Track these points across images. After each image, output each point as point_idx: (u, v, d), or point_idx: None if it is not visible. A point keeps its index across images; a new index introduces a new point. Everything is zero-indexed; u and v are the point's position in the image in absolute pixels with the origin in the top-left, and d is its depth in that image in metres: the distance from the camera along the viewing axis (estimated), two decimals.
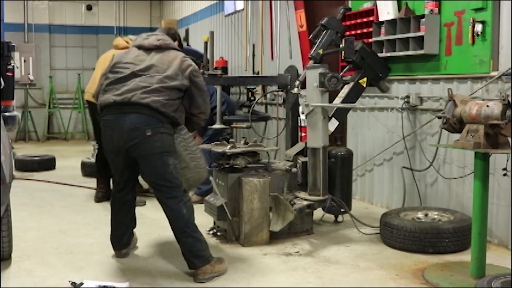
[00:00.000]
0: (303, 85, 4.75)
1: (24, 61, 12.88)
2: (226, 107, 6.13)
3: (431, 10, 4.91)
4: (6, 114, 6.78)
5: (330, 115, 4.88)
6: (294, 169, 4.76)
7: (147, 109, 3.69)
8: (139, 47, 4.01)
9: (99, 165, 6.24)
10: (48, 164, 8.51)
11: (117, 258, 4.15)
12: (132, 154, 3.78)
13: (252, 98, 8.09)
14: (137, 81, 3.78)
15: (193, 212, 3.84)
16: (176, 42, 4.26)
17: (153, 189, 3.89)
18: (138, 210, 5.66)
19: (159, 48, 3.96)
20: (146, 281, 3.66)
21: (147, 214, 5.51)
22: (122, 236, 4.19)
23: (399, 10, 5.32)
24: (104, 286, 3.44)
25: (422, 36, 4.92)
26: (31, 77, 12.90)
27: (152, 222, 5.14)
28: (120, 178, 4.05)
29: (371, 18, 5.63)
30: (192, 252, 3.73)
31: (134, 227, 4.32)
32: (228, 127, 5.13)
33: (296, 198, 4.64)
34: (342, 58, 5.29)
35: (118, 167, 3.98)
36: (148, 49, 3.97)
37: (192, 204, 3.88)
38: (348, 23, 5.93)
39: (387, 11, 5.39)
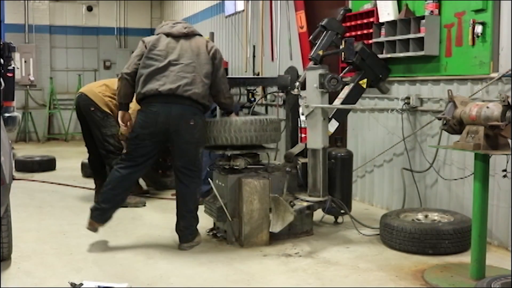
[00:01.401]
0: (303, 86, 4.75)
1: (25, 62, 12.89)
2: None
3: (431, 11, 4.91)
4: (7, 114, 6.79)
5: (330, 116, 4.88)
6: (293, 170, 4.76)
7: (189, 101, 4.20)
8: (168, 35, 4.39)
9: (94, 166, 6.23)
10: (48, 165, 8.51)
11: (87, 229, 4.36)
12: (172, 138, 4.24)
13: (252, 99, 8.09)
14: (176, 71, 4.23)
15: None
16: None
17: (179, 172, 4.34)
18: (138, 211, 5.69)
19: (187, 36, 4.40)
20: (146, 282, 3.65)
21: (147, 215, 5.51)
22: (107, 210, 4.37)
23: (399, 11, 5.32)
24: (103, 287, 3.44)
25: (422, 37, 4.92)
26: (32, 78, 12.90)
27: (151, 223, 5.14)
28: (141, 158, 4.32)
29: (371, 19, 5.63)
30: (190, 228, 4.38)
31: (120, 205, 4.48)
32: None
33: (296, 199, 4.64)
34: (342, 59, 5.29)
35: (146, 148, 4.29)
36: (176, 37, 4.38)
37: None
38: (348, 24, 5.93)
39: (387, 12, 5.38)
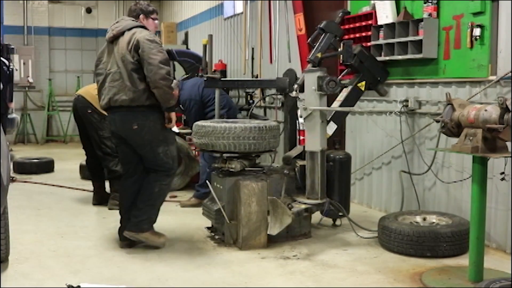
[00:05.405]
0: (301, 89, 4.75)
1: (24, 63, 12.88)
2: (227, 111, 6.11)
3: (430, 14, 4.92)
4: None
5: (328, 119, 4.87)
6: (292, 173, 4.75)
7: (123, 108, 4.21)
8: (107, 42, 4.37)
9: (92, 168, 6.23)
10: (46, 166, 8.51)
11: (120, 248, 4.38)
12: (129, 142, 4.33)
13: (251, 101, 8.09)
14: (108, 81, 4.25)
15: (163, 195, 4.43)
16: (142, 16, 4.47)
17: (150, 171, 4.40)
18: None
19: (116, 37, 4.28)
20: (143, 285, 3.65)
21: None
22: (124, 221, 4.41)
23: (398, 14, 5.33)
24: None
25: (421, 40, 4.92)
26: (30, 80, 12.88)
27: None
28: (129, 165, 4.45)
29: (369, 22, 5.64)
30: (138, 219, 4.29)
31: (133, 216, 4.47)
32: None
33: (294, 201, 4.64)
34: (341, 61, 5.29)
35: (125, 154, 4.45)
36: (110, 42, 4.33)
37: (167, 190, 4.47)
38: (346, 26, 5.93)
39: (385, 15, 5.39)
